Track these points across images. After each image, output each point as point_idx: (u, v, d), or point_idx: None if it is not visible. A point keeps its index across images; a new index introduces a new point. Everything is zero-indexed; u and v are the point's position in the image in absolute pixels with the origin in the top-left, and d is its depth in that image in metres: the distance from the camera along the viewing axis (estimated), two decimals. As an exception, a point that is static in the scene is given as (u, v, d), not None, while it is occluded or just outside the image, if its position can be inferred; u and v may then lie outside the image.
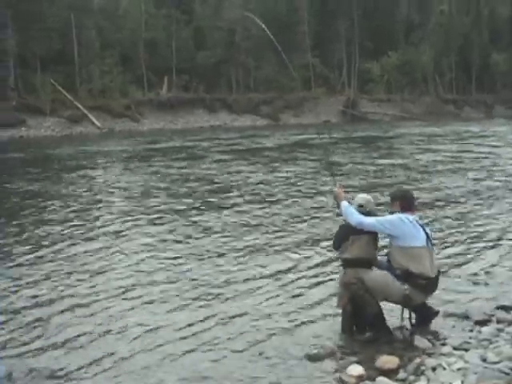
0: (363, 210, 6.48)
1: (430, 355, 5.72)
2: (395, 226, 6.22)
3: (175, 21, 67.94)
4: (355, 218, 6.32)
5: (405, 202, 6.44)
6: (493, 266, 8.86)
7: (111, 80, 60.22)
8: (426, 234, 6.27)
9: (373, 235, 6.43)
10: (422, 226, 6.32)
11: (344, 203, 6.50)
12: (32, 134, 49.26)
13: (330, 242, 7.00)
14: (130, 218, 13.29)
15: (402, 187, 7.47)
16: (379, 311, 6.30)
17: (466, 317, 6.72)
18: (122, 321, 7.10)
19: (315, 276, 8.60)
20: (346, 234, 6.46)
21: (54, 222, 13.12)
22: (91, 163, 25.97)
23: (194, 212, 13.83)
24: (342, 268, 6.56)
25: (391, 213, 6.50)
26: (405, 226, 6.19)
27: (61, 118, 53.24)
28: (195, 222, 12.55)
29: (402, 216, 6.27)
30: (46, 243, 11.09)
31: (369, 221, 6.31)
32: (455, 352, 5.75)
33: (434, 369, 5.41)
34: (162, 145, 36.14)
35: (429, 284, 6.15)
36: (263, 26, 8.23)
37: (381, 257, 6.65)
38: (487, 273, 8.48)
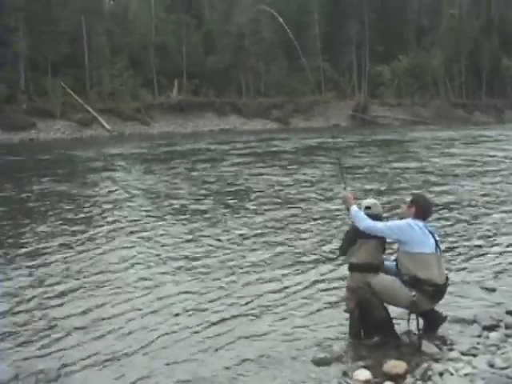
0: (370, 212, 6.47)
1: (437, 360, 5.70)
2: (403, 231, 6.20)
3: (185, 25, 68.10)
4: (364, 222, 6.31)
5: (420, 210, 6.38)
6: (502, 271, 8.82)
7: (121, 83, 60.37)
8: (435, 240, 6.24)
9: (381, 240, 6.41)
10: (431, 232, 6.28)
11: (353, 208, 6.49)
12: (42, 136, 49.31)
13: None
14: (153, 220, 13.42)
15: (424, 194, 7.39)
16: (387, 316, 6.27)
17: (473, 322, 6.69)
18: (138, 329, 7.08)
19: (323, 280, 8.58)
20: (354, 237, 6.44)
21: (79, 222, 13.31)
22: (112, 165, 26.01)
23: (215, 215, 13.93)
24: (349, 272, 6.55)
25: (401, 218, 6.49)
26: (413, 232, 6.16)
27: (71, 121, 53.36)
28: (218, 227, 12.62)
29: (412, 222, 6.24)
30: (71, 244, 11.24)
31: (378, 226, 6.29)
32: (463, 357, 5.72)
33: (441, 374, 5.39)
34: (179, 147, 36.18)
35: (436, 291, 6.11)
36: (281, 20, 8.12)
37: (389, 262, 6.62)
38: (496, 278, 8.45)
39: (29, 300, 8.07)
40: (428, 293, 6.06)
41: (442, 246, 6.50)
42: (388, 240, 6.49)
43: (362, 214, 6.39)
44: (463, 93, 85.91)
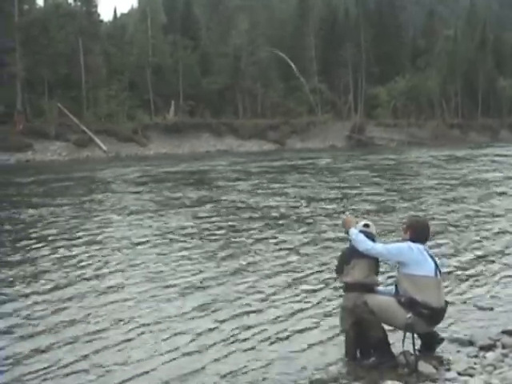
0: (368, 230, 6.48)
1: (434, 381, 5.65)
2: (403, 253, 6.20)
3: (182, 47, 68.45)
4: (364, 244, 6.31)
5: (414, 233, 6.39)
6: (498, 290, 8.79)
7: (118, 104, 60.44)
8: (435, 263, 6.22)
9: (374, 259, 6.40)
10: (431, 255, 6.27)
11: (353, 230, 6.48)
12: (38, 157, 49.26)
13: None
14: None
15: (420, 217, 7.40)
16: (383, 335, 6.22)
17: (470, 342, 6.64)
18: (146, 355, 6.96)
19: (319, 302, 8.52)
20: (349, 257, 6.43)
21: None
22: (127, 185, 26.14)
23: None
24: (343, 292, 6.52)
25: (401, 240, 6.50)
26: (413, 254, 6.15)
27: (68, 142, 53.36)
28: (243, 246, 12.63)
29: (412, 244, 6.24)
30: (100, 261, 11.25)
31: (377, 248, 6.29)
32: (460, 377, 5.67)
33: (438, 394, 5.35)
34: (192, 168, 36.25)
35: (433, 315, 6.07)
36: (290, 62, 8.10)
37: (385, 288, 6.61)
38: (493, 297, 8.41)
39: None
40: (424, 316, 6.01)
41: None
42: (381, 259, 6.50)
43: (361, 237, 6.38)
44: (459, 113, 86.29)
